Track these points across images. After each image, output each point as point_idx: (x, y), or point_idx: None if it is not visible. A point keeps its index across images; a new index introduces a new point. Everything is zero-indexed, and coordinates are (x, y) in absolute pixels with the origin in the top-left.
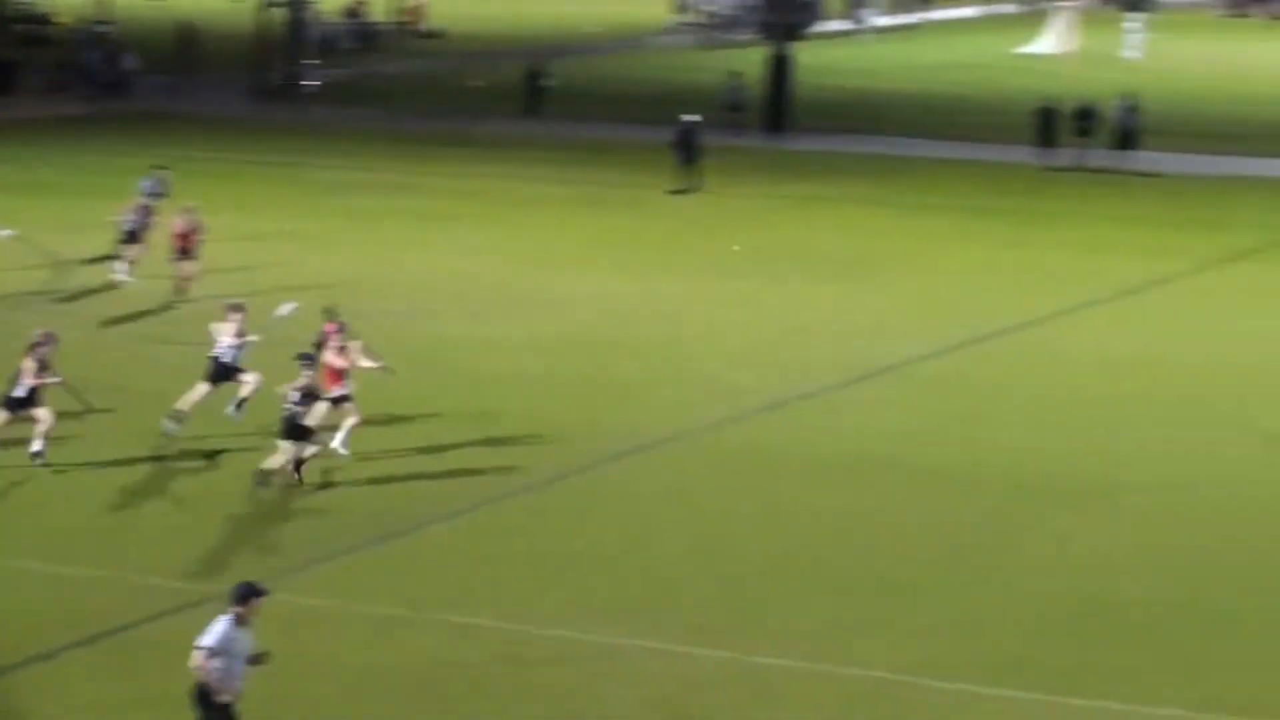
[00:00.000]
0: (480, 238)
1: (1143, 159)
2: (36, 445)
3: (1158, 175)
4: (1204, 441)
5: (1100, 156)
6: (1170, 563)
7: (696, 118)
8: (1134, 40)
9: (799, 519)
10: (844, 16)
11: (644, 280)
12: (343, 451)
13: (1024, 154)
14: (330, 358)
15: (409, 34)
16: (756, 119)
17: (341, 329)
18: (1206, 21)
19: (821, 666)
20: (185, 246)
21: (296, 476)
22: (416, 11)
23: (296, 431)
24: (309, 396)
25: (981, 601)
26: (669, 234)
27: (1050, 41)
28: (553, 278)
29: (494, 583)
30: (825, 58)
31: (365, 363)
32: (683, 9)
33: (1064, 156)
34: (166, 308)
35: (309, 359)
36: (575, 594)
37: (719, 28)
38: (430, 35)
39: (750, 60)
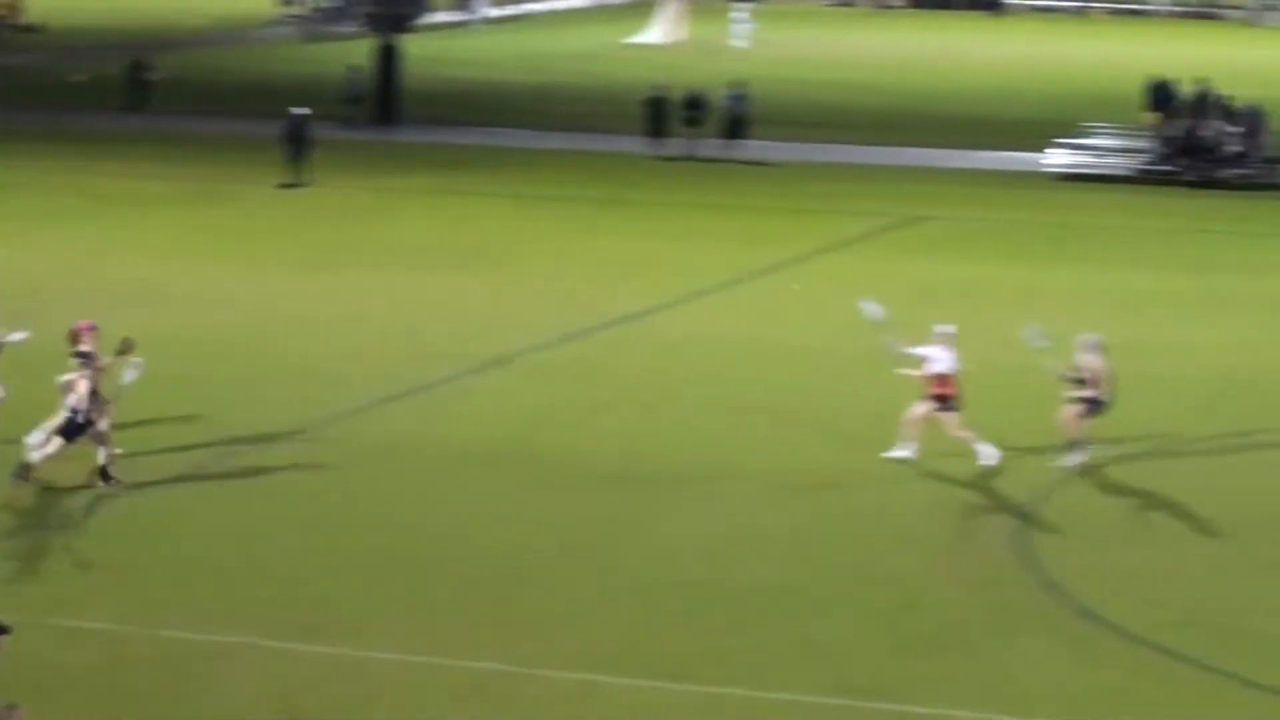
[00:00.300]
0: (90, 235)
1: (752, 148)
2: None
3: (767, 164)
4: (807, 430)
5: (710, 146)
6: (778, 548)
7: (305, 111)
8: (741, 30)
9: (415, 512)
10: (454, 7)
11: (254, 275)
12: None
13: (636, 144)
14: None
15: (6, 28)
16: (369, 112)
17: (94, 328)
18: (813, 11)
19: (435, 660)
20: None
21: (104, 482)
22: (13, 5)
23: (75, 430)
24: (95, 395)
25: (596, 590)
26: (278, 229)
27: (658, 31)
28: (162, 274)
29: (104, 585)
30: (436, 49)
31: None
32: (288, 2)
33: (674, 146)
34: None
35: (86, 357)
36: (188, 594)
37: (324, 20)
38: (29, 29)
39: (364, 52)
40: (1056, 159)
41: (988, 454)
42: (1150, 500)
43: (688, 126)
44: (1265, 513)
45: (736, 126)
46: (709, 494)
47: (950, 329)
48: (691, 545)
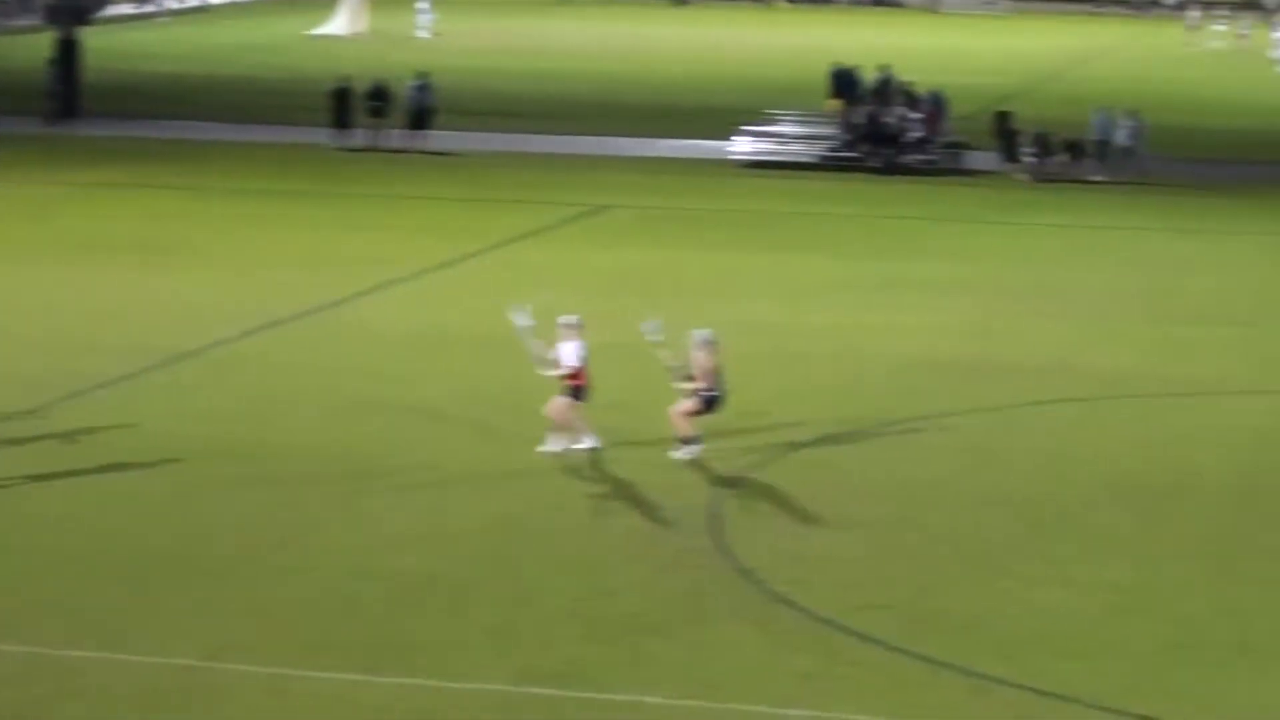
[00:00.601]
0: None
1: (437, 139)
2: None
3: (453, 155)
4: (494, 422)
5: (395, 137)
6: (468, 541)
7: None
8: (424, 20)
9: (104, 506)
10: None
11: None
12: None
13: (321, 136)
14: None
15: None
16: (59, 106)
17: None
18: (496, 0)
19: (127, 656)
20: None
21: None
22: None
23: None
24: None
25: (290, 583)
26: None
27: (341, 23)
28: None
29: None
30: (118, 42)
31: None
32: None
33: (360, 138)
34: None
35: None
36: None
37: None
38: None
39: (44, 46)
40: (742, 147)
41: (589, 442)
42: (837, 484)
43: (372, 118)
44: (948, 496)
45: (421, 117)
46: (397, 488)
47: (573, 319)
48: (381, 540)
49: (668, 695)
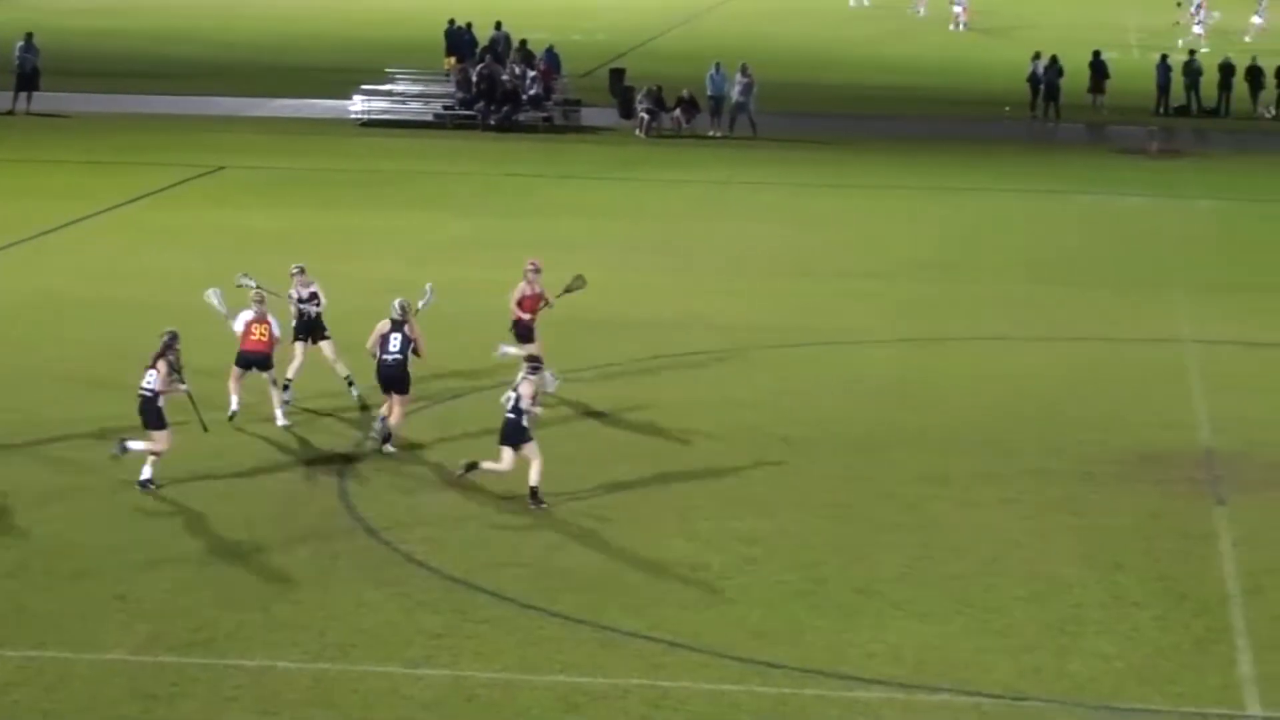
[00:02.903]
0: None
1: (46, 100)
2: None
3: (63, 116)
4: (117, 387)
5: (2, 99)
6: (91, 504)
7: None
8: None
9: None
10: None
11: None
12: None
13: None
14: None
15: None
16: None
17: None
18: None
19: None
20: None
21: None
22: None
23: None
24: None
25: None
26: None
27: None
28: None
29: None
30: None
31: None
32: None
33: None
34: None
35: None
36: None
37: None
38: None
39: None
40: (361, 105)
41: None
42: (465, 445)
43: None
44: (564, 452)
45: (29, 78)
46: (14, 450)
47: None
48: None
49: (299, 659)
